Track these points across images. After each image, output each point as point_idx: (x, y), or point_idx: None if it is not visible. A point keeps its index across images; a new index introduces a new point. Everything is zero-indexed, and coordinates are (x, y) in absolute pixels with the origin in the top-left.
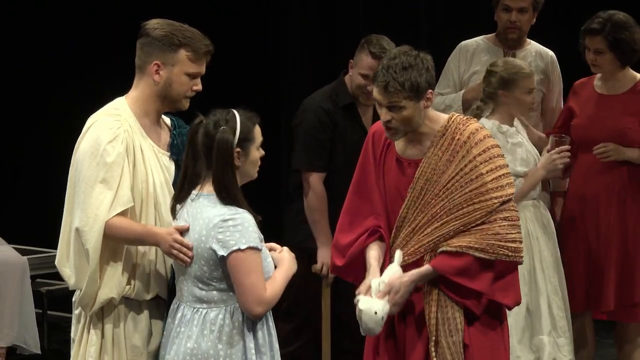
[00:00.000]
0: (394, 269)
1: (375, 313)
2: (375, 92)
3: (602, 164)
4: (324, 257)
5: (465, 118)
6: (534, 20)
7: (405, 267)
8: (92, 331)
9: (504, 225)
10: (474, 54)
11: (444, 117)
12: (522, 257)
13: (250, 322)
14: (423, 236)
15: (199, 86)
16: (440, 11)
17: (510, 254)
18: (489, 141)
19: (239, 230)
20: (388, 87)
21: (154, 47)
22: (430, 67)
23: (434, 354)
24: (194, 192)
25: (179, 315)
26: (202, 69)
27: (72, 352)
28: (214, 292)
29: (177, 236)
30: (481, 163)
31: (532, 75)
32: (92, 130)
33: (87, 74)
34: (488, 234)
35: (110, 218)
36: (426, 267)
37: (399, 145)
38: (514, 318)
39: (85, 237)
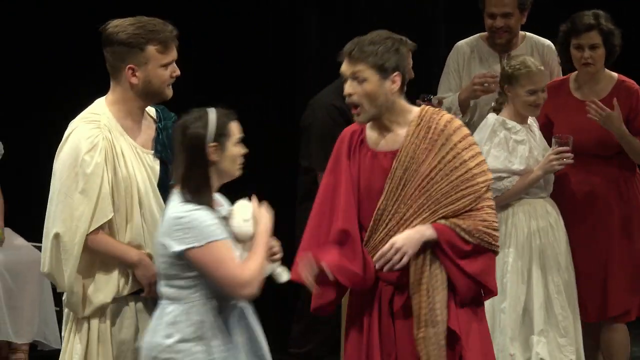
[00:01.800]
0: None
1: None
2: (342, 65)
3: (589, 173)
4: None
5: (437, 110)
6: (524, 19)
7: None
8: (77, 328)
9: (490, 213)
10: (470, 57)
11: (417, 108)
12: (499, 247)
13: (213, 322)
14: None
15: (177, 71)
16: (459, 13)
17: (492, 241)
18: (464, 129)
19: (195, 227)
20: (352, 54)
21: (122, 52)
22: (402, 52)
23: (419, 346)
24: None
25: (156, 311)
26: (174, 55)
27: (61, 350)
28: (174, 289)
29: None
30: (463, 150)
31: (535, 74)
32: (71, 139)
33: (87, 74)
34: (476, 219)
35: (91, 231)
36: (431, 232)
37: (372, 139)
38: (510, 316)
39: (65, 247)
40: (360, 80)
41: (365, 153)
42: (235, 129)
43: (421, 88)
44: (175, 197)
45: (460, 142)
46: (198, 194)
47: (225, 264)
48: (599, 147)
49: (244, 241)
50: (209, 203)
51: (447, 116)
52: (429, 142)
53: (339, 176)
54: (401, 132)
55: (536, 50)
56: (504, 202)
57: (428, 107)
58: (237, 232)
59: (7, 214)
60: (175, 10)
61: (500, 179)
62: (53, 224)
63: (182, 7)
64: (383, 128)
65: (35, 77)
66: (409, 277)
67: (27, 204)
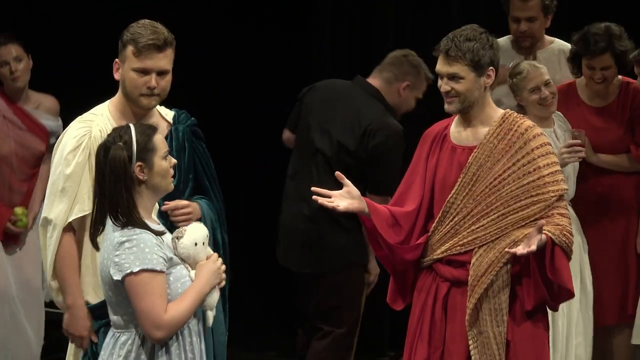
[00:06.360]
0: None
1: None
2: (439, 62)
3: (606, 174)
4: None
5: (520, 115)
6: (549, 23)
7: (455, 257)
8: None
9: (561, 218)
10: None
11: (502, 110)
12: (572, 252)
13: (164, 348)
14: (478, 228)
15: (151, 83)
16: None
17: (569, 243)
18: (543, 137)
19: (134, 252)
20: (449, 52)
21: (119, 47)
22: (495, 46)
23: (473, 344)
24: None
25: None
26: (150, 64)
27: (68, 350)
28: (125, 317)
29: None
30: (539, 157)
31: (529, 73)
32: (61, 138)
33: (86, 74)
34: (550, 225)
35: (66, 225)
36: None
37: (454, 134)
38: None
39: (45, 242)
40: (457, 79)
41: (447, 147)
42: (160, 143)
43: None
44: (111, 226)
45: (537, 148)
46: (129, 216)
47: (151, 298)
48: (609, 150)
49: (187, 263)
50: (143, 224)
51: (528, 122)
52: (507, 143)
53: (417, 166)
54: (482, 130)
55: (563, 55)
56: None
57: (512, 112)
58: (183, 253)
59: None
60: (199, 14)
61: None
62: (42, 213)
63: (205, 12)
64: (467, 123)
65: (36, 78)
66: (467, 276)
67: None
